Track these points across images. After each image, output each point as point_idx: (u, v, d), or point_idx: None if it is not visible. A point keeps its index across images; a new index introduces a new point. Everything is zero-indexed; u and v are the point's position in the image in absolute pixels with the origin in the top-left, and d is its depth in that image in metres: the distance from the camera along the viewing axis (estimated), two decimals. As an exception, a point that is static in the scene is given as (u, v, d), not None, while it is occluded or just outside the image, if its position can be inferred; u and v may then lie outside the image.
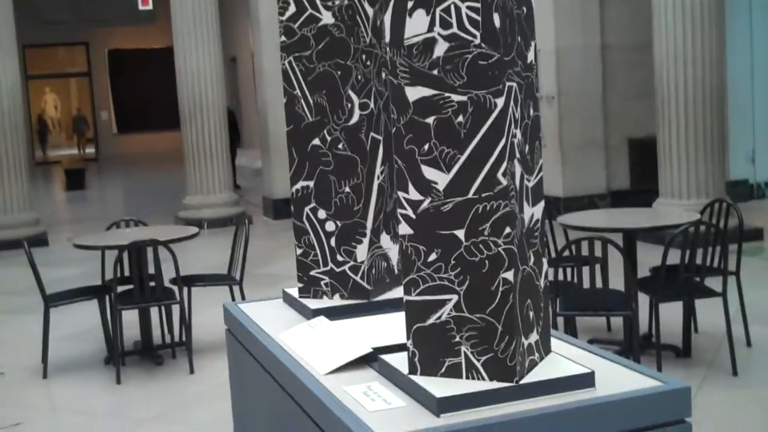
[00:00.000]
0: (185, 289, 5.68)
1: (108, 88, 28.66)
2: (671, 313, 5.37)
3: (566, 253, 5.21)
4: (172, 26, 11.66)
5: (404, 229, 1.84)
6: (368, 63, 2.50)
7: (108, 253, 5.94)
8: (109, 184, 21.35)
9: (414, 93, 1.80)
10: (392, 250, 2.63)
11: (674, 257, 4.96)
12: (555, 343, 2.00)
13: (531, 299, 1.83)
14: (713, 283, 5.08)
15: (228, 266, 6.17)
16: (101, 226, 8.05)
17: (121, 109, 28.81)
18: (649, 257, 5.99)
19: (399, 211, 1.84)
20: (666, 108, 8.56)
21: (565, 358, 1.91)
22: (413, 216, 1.82)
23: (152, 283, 5.57)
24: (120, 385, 5.40)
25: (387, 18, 1.82)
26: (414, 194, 1.82)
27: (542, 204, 1.91)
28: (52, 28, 12.07)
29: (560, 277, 5.56)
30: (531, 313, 1.83)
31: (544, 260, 1.92)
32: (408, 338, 1.87)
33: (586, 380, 1.79)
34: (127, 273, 5.88)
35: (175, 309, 5.91)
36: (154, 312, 6.00)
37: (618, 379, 1.84)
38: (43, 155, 27.98)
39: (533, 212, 1.86)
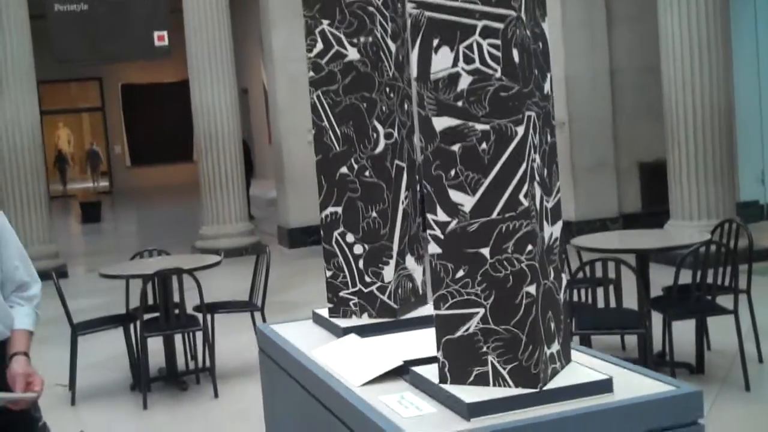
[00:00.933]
0: (209, 316, 5.82)
1: (121, 121, 28.96)
2: (684, 331, 5.48)
3: (580, 274, 5.36)
4: (186, 60, 11.89)
5: (433, 248, 1.99)
6: (392, 95, 2.65)
7: (132, 283, 6.10)
8: (123, 216, 21.57)
9: (440, 123, 1.95)
10: (416, 272, 2.78)
11: (686, 277, 5.09)
12: (574, 354, 2.14)
13: (552, 311, 1.97)
14: (725, 301, 5.20)
15: (249, 293, 6.32)
16: (118, 258, 8.24)
17: (134, 143, 29.09)
18: (661, 278, 6.11)
19: (429, 232, 1.99)
20: (675, 131, 8.71)
21: (584, 366, 2.05)
22: (442, 236, 1.97)
23: (176, 311, 5.72)
24: (147, 411, 5.54)
25: (414, 55, 1.98)
26: (442, 216, 1.97)
27: (560, 223, 2.06)
28: (68, 65, 12.29)
29: (575, 298, 5.68)
30: (552, 325, 1.97)
31: (563, 276, 2.06)
32: (438, 350, 2.01)
33: (604, 386, 1.93)
34: (151, 301, 6.03)
35: (199, 335, 6.06)
36: (177, 339, 6.14)
37: (634, 384, 1.98)
38: (63, 189, 28.33)
39: (552, 231, 2.01)
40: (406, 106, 2.74)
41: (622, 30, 10.83)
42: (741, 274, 5.29)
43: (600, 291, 5.07)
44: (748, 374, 5.10)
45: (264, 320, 6.03)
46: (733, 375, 5.34)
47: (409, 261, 2.74)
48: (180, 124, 28.66)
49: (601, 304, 5.10)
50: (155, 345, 5.98)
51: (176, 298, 5.71)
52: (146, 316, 5.75)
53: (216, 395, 5.67)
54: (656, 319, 5.21)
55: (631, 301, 5.21)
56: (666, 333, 5.21)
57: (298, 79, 11.95)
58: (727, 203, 8.65)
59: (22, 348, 2.57)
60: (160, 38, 11.60)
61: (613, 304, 5.09)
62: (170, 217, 19.18)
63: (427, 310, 2.76)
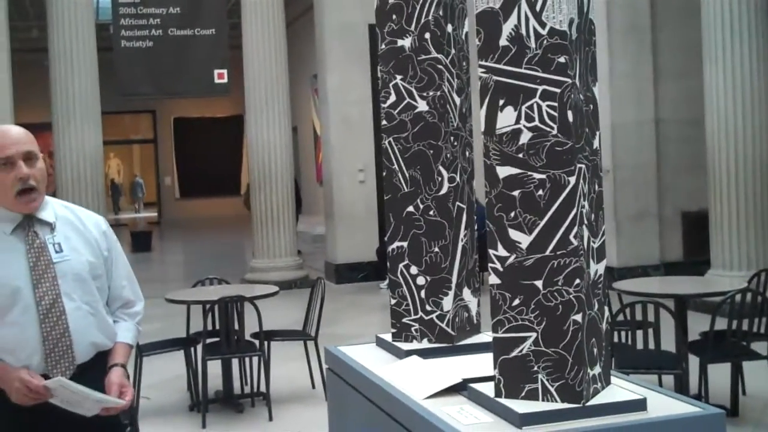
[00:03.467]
0: (266, 343, 6.14)
1: (172, 154, 29.65)
2: (720, 375, 5.70)
3: (620, 316, 5.62)
4: (238, 97, 12.33)
5: (494, 279, 2.30)
6: (455, 143, 2.98)
7: (192, 309, 6.46)
8: (172, 247, 22.06)
9: (503, 171, 2.27)
10: (472, 303, 3.08)
11: (721, 324, 5.33)
12: (613, 379, 2.43)
13: (595, 338, 2.27)
14: (759, 348, 5.43)
15: (303, 323, 6.65)
16: (169, 286, 8.60)
17: (183, 175, 29.74)
18: (697, 324, 6.33)
19: (489, 265, 2.30)
20: (718, 182, 8.94)
21: (621, 388, 2.34)
22: (501, 269, 2.28)
23: (235, 336, 6.05)
24: (205, 430, 5.86)
25: (483, 112, 2.30)
26: (502, 251, 2.28)
27: (604, 262, 2.36)
28: (130, 99, 12.81)
29: (615, 339, 5.92)
30: (595, 350, 2.26)
31: (606, 308, 2.36)
32: (495, 368, 2.31)
33: (639, 405, 2.21)
34: (209, 327, 6.36)
35: (254, 361, 6.39)
36: (233, 364, 6.46)
37: (665, 405, 2.26)
38: (116, 218, 29.00)
39: (597, 268, 2.31)
40: (467, 153, 3.06)
41: (668, 83, 11.09)
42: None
43: (639, 333, 5.32)
44: (781, 418, 5.32)
45: (317, 349, 6.35)
46: (767, 419, 5.54)
47: (466, 293, 3.04)
48: (228, 158, 29.41)
49: (640, 345, 5.35)
50: (212, 369, 6.30)
51: (233, 325, 6.04)
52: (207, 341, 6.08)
53: (270, 418, 5.98)
54: (693, 363, 5.44)
55: (668, 345, 5.46)
56: (702, 376, 5.43)
57: (350, 120, 12.38)
58: (767, 254, 8.83)
59: (120, 360, 2.88)
60: (220, 76, 12.08)
61: (651, 346, 5.33)
62: (217, 248, 19.61)
63: (481, 338, 3.07)
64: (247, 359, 6.51)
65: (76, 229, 2.85)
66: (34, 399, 2.64)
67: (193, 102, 25.68)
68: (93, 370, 2.78)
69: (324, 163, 13.06)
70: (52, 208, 2.83)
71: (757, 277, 6.12)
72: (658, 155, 11.12)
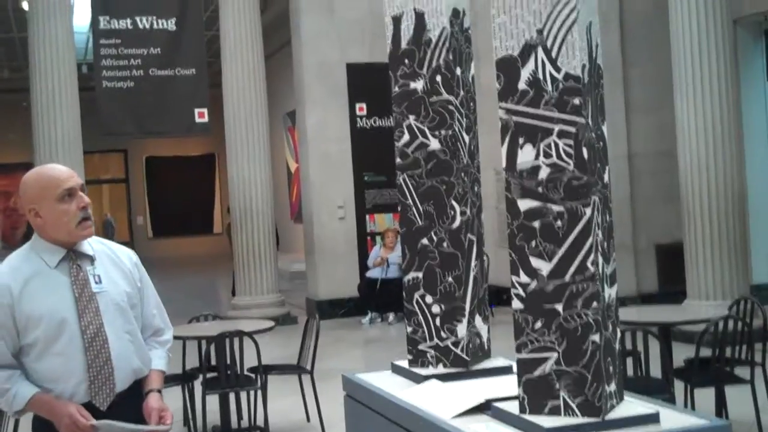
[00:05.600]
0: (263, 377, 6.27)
1: (144, 193, 29.68)
2: (704, 400, 5.90)
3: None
4: (225, 135, 12.46)
5: (516, 304, 2.49)
6: (466, 179, 3.17)
7: (188, 344, 6.57)
8: (147, 286, 21.98)
9: (524, 204, 2.46)
10: (483, 329, 3.26)
11: (704, 352, 5.54)
12: (625, 395, 2.61)
13: (611, 357, 2.45)
14: (742, 373, 5.64)
15: (297, 357, 6.78)
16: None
17: (156, 214, 29.75)
18: (679, 353, 6.54)
19: (512, 290, 2.49)
20: (691, 214, 9.20)
21: (634, 403, 2.52)
22: (523, 294, 2.47)
23: (230, 371, 6.16)
24: (204, 464, 5.97)
25: (504, 149, 2.50)
26: (524, 278, 2.46)
27: (616, 286, 2.55)
28: (108, 138, 12.89)
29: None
30: (611, 368, 2.45)
31: (618, 329, 2.55)
32: (519, 386, 2.49)
33: (653, 418, 2.40)
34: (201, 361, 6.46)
35: (251, 394, 6.50)
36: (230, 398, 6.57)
37: (676, 418, 2.45)
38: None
39: (610, 292, 2.50)
40: (476, 188, 3.26)
41: (639, 117, 11.39)
42: (757, 350, 5.74)
43: (627, 361, 5.51)
44: (764, 441, 5.52)
45: (313, 383, 6.48)
46: (750, 442, 5.74)
47: (478, 320, 3.22)
48: (201, 197, 29.51)
49: (629, 372, 5.54)
50: (208, 404, 6.40)
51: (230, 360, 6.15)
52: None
53: (269, 450, 6.10)
54: (678, 389, 5.63)
55: (655, 373, 5.66)
56: (687, 401, 5.63)
57: (329, 157, 12.57)
58: (741, 284, 9.08)
59: (156, 386, 3.03)
60: (201, 115, 12.22)
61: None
62: (193, 287, 19.63)
63: (492, 362, 3.25)
64: (243, 393, 6.61)
65: (113, 261, 3.01)
66: None
67: (165, 141, 25.76)
68: (131, 397, 2.92)
69: (304, 199, 13.22)
70: (89, 243, 2.99)
71: (737, 305, 6.35)
72: (631, 188, 11.40)
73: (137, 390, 2.99)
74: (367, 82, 12.23)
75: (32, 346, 2.86)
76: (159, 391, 3.02)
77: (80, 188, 2.92)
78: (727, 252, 9.05)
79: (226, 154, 12.56)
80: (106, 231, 32.38)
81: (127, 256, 3.09)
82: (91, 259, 2.95)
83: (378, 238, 12.45)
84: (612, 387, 2.45)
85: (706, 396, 5.81)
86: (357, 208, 12.71)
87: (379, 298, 11.73)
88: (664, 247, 11.33)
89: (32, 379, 2.87)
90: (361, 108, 12.54)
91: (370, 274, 11.93)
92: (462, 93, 3.17)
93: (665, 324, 5.85)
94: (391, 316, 11.71)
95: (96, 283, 2.91)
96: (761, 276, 11.13)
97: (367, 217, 12.77)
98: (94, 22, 11.87)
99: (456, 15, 3.14)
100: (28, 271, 2.88)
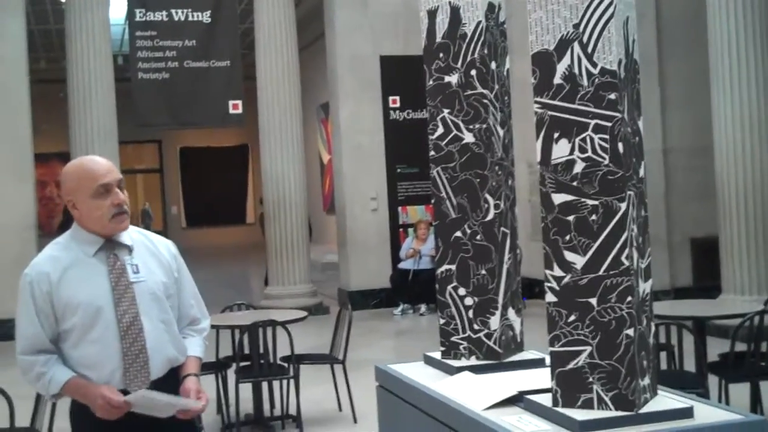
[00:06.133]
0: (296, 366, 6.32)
1: (179, 184, 29.89)
2: (739, 396, 5.87)
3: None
4: (258, 127, 12.53)
5: (550, 297, 2.50)
6: (500, 172, 3.18)
7: (221, 333, 6.63)
8: (181, 276, 22.15)
9: (558, 198, 2.47)
10: (516, 322, 3.27)
11: (739, 346, 5.50)
12: (659, 389, 2.61)
13: (645, 351, 2.46)
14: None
15: (330, 347, 6.83)
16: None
17: (189, 204, 29.96)
18: (713, 348, 6.51)
19: (546, 284, 2.50)
20: (727, 208, 9.14)
21: (668, 397, 2.52)
22: (557, 288, 2.48)
23: (263, 360, 6.22)
24: (238, 452, 6.03)
25: (538, 144, 2.50)
26: (558, 272, 2.47)
27: (651, 281, 2.55)
28: (144, 128, 13.02)
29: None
30: (645, 362, 2.45)
31: (653, 324, 2.55)
32: (552, 379, 2.50)
33: (686, 412, 2.41)
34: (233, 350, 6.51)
35: (284, 383, 6.55)
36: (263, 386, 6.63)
37: (710, 413, 2.45)
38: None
39: (645, 287, 2.50)
40: (509, 182, 3.27)
41: (675, 112, 11.32)
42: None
43: (661, 355, 5.50)
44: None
45: (345, 373, 6.52)
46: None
47: (511, 313, 3.23)
48: (234, 187, 29.69)
49: (662, 366, 5.53)
50: (241, 392, 6.46)
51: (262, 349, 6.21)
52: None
53: (301, 438, 6.16)
54: (712, 383, 5.61)
55: (689, 367, 5.63)
56: (722, 395, 5.61)
57: (362, 149, 12.61)
58: (777, 279, 9.02)
59: (193, 370, 3.08)
60: (235, 107, 12.29)
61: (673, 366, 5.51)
62: (226, 277, 19.76)
63: (525, 355, 3.26)
64: (275, 382, 6.67)
65: (151, 251, 3.05)
66: (116, 413, 2.83)
67: (199, 131, 25.91)
68: (166, 386, 2.97)
69: (337, 191, 13.27)
70: (128, 233, 3.03)
71: (772, 300, 6.31)
72: (666, 183, 11.34)
73: (173, 378, 3.03)
74: (400, 75, 12.25)
75: (69, 333, 2.92)
76: (196, 375, 3.06)
77: (117, 184, 2.95)
78: (763, 247, 8.98)
79: (260, 146, 12.62)
80: (144, 220, 32.71)
81: (166, 246, 3.14)
82: (129, 249, 3.00)
83: (410, 230, 12.47)
84: (646, 381, 2.45)
85: (740, 391, 5.78)
86: (389, 199, 12.74)
87: (410, 289, 11.77)
88: (699, 241, 11.26)
89: (69, 365, 2.93)
90: (394, 100, 12.56)
91: (402, 265, 11.97)
92: (497, 87, 3.18)
93: (700, 318, 5.82)
94: (422, 308, 11.74)
95: (134, 273, 2.96)
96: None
97: (400, 208, 12.80)
98: (130, 15, 11.97)
99: (491, 9, 3.15)
100: (67, 260, 2.94)
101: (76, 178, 2.96)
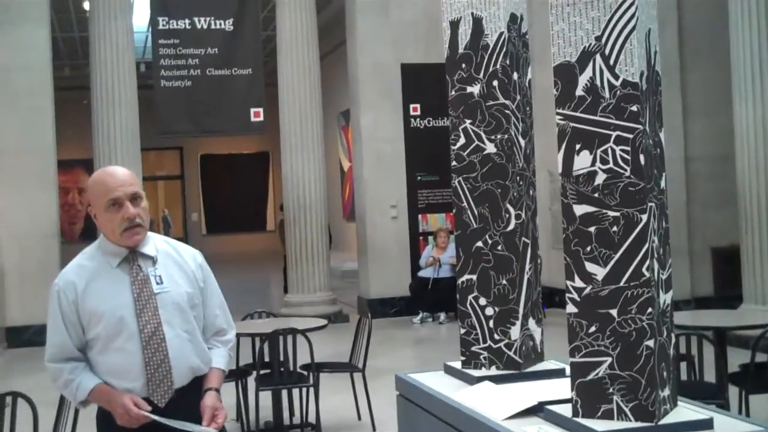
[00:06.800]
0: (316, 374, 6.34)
1: (199, 190, 30.03)
2: (759, 407, 5.84)
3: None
4: (279, 134, 12.58)
5: (570, 308, 2.51)
6: (521, 183, 3.20)
7: (242, 341, 6.67)
8: (201, 282, 22.22)
9: (580, 209, 2.48)
10: (536, 332, 3.28)
11: (760, 357, 5.48)
12: (679, 401, 2.62)
13: (665, 362, 2.46)
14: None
15: (350, 355, 6.85)
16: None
17: (210, 211, 30.09)
18: (735, 359, 6.49)
19: (567, 295, 2.51)
20: (749, 217, 9.10)
21: (688, 409, 2.53)
22: (578, 299, 2.49)
23: (283, 368, 6.24)
24: (258, 458, 6.05)
25: (560, 155, 2.52)
26: (579, 283, 2.48)
27: (671, 292, 2.56)
28: (168, 136, 13.07)
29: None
30: (665, 373, 2.46)
31: (673, 335, 2.56)
32: (572, 390, 2.51)
33: (706, 424, 2.41)
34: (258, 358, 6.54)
35: (303, 391, 6.58)
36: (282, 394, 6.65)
37: (730, 425, 2.45)
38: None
39: (665, 298, 2.51)
40: (531, 192, 3.28)
41: (696, 121, 11.29)
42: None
43: (681, 365, 5.48)
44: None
45: (365, 381, 6.54)
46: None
47: (531, 323, 3.24)
48: (254, 195, 29.80)
49: (683, 377, 5.51)
50: (261, 400, 6.49)
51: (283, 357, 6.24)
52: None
53: (321, 447, 6.17)
54: (732, 394, 5.59)
55: (709, 377, 5.61)
56: (742, 407, 5.58)
57: (382, 157, 12.64)
58: (798, 289, 8.96)
59: (214, 384, 3.09)
60: (257, 114, 12.35)
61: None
62: (246, 284, 19.80)
63: (545, 365, 3.27)
64: (295, 390, 6.69)
65: (176, 262, 3.08)
66: (136, 423, 2.87)
67: (220, 139, 26.02)
68: (190, 394, 2.99)
69: (357, 199, 13.30)
70: (153, 243, 3.06)
71: (794, 311, 6.28)
72: (687, 191, 11.30)
73: (197, 387, 3.05)
74: (421, 83, 12.28)
75: (95, 341, 2.96)
76: (217, 390, 3.08)
77: (130, 197, 2.96)
78: (785, 257, 8.93)
79: (281, 152, 12.67)
80: (163, 227, 32.88)
81: (192, 256, 3.16)
82: (153, 260, 3.03)
83: (430, 238, 12.48)
84: (666, 392, 2.46)
85: (761, 402, 5.76)
86: (410, 207, 12.75)
87: (430, 297, 11.76)
88: (720, 250, 11.21)
89: (96, 372, 2.97)
90: (415, 108, 12.57)
91: (421, 273, 11.97)
92: (518, 97, 3.20)
93: (720, 328, 5.80)
94: (442, 316, 11.74)
95: (157, 283, 2.98)
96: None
97: (420, 216, 12.81)
98: (154, 23, 12.06)
99: (513, 20, 3.17)
100: (93, 270, 2.98)
101: (93, 190, 3.01)
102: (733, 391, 5.59)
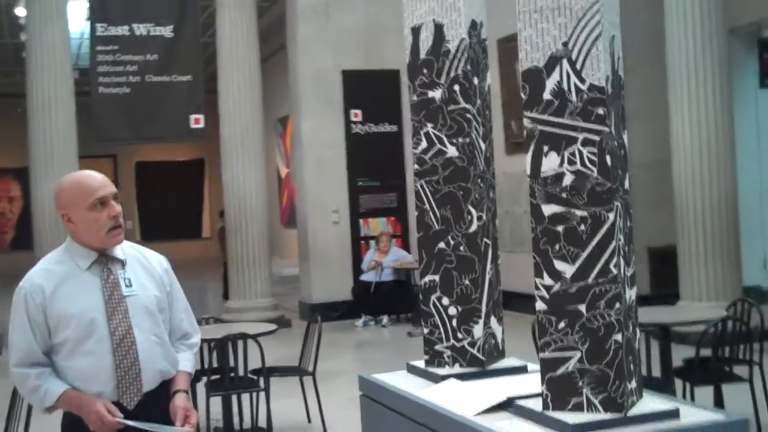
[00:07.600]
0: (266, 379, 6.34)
1: (134, 198, 29.67)
2: (703, 399, 6.01)
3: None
4: (219, 141, 12.53)
5: (540, 305, 2.58)
6: (482, 185, 3.27)
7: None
8: (138, 291, 21.96)
9: (548, 209, 2.56)
10: (498, 330, 3.35)
11: (701, 352, 5.65)
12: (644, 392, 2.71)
13: (632, 356, 2.55)
14: (741, 372, 5.77)
15: (299, 359, 6.86)
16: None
17: (144, 218, 29.76)
18: (675, 353, 6.66)
19: (536, 293, 2.58)
20: (685, 219, 9.34)
21: (653, 399, 2.62)
22: (547, 296, 2.56)
23: (233, 374, 6.24)
24: (208, 465, 6.04)
25: (528, 157, 2.59)
26: (548, 280, 2.56)
27: (635, 288, 2.65)
28: (106, 144, 12.91)
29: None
30: (632, 366, 2.55)
31: (638, 330, 2.65)
32: (542, 384, 2.59)
33: (673, 414, 2.50)
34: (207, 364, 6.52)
35: (246, 397, 6.57)
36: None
37: (693, 414, 2.55)
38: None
39: (631, 294, 2.60)
40: (491, 194, 3.35)
41: (634, 126, 11.50)
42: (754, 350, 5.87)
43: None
44: (762, 440, 5.64)
45: (315, 384, 6.57)
46: (747, 441, 5.85)
47: (493, 321, 3.32)
48: (190, 201, 29.55)
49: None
50: (211, 405, 6.46)
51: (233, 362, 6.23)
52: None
53: (271, 452, 6.18)
54: (677, 388, 5.74)
55: (654, 372, 5.77)
56: (686, 399, 5.74)
57: (323, 162, 12.67)
58: (734, 286, 9.22)
59: (183, 386, 3.11)
60: (197, 121, 12.27)
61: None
62: (184, 290, 19.64)
63: (507, 362, 3.34)
64: (244, 395, 6.68)
65: (143, 266, 3.09)
66: (109, 429, 2.87)
67: (155, 146, 25.76)
68: (157, 398, 3.00)
69: (298, 204, 13.30)
70: (120, 247, 3.07)
71: (734, 306, 6.47)
72: (624, 193, 11.52)
73: (165, 390, 3.07)
74: (362, 89, 12.33)
75: (62, 345, 2.94)
76: (186, 392, 3.10)
77: (112, 197, 3.00)
78: (720, 255, 9.19)
79: (221, 159, 12.62)
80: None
81: (158, 261, 3.18)
82: (122, 263, 3.04)
83: (372, 242, 12.54)
84: (633, 384, 2.55)
85: (705, 394, 5.92)
86: (351, 212, 12.80)
87: (372, 301, 11.81)
88: (656, 250, 11.47)
89: (62, 377, 2.95)
90: (356, 114, 12.63)
91: (364, 277, 12.02)
92: (479, 102, 3.27)
93: (666, 324, 5.96)
94: (384, 319, 11.79)
95: (126, 286, 2.99)
96: (752, 279, 11.27)
97: (361, 221, 12.86)
98: (92, 29, 11.90)
99: (474, 26, 3.24)
100: (61, 273, 2.97)
101: (71, 192, 2.99)
102: (677, 385, 5.75)
